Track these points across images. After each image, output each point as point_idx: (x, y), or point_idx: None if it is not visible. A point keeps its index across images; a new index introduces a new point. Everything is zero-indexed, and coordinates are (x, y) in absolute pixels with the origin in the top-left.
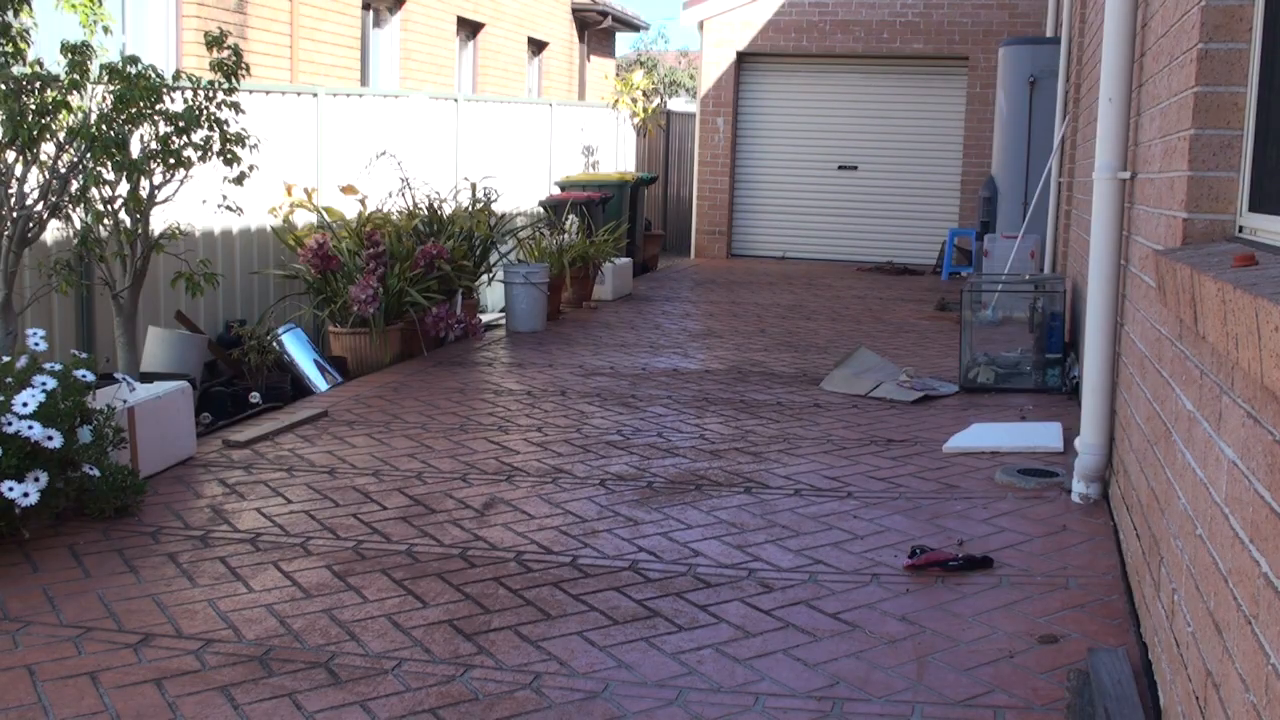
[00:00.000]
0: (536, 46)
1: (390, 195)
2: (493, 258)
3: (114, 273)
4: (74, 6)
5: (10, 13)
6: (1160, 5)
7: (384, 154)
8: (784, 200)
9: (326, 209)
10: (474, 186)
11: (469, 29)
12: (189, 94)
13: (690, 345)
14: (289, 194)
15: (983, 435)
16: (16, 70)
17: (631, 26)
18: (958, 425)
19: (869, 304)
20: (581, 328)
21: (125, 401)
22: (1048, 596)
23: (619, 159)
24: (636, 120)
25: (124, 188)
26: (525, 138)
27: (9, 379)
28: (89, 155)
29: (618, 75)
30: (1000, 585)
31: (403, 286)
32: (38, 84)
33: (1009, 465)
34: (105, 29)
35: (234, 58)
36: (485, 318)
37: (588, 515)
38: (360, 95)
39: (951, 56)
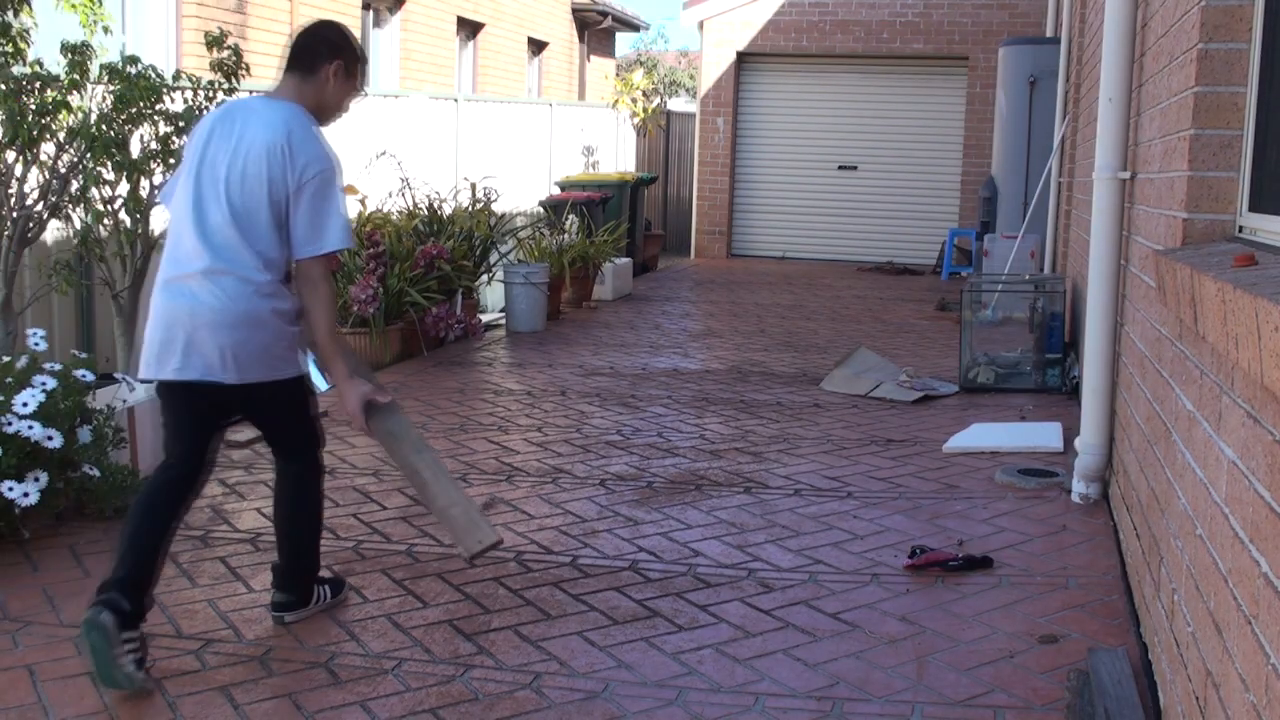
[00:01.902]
0: (536, 46)
1: (390, 195)
2: (493, 258)
3: (114, 273)
4: (74, 6)
5: (10, 13)
6: (1160, 5)
7: (384, 154)
8: (784, 200)
9: None
10: (474, 186)
11: (469, 29)
12: (189, 94)
13: (690, 345)
14: None
15: (983, 435)
16: (16, 70)
17: (631, 26)
18: (958, 425)
19: (869, 304)
20: (581, 328)
21: (125, 401)
22: (1048, 596)
23: (619, 159)
24: (636, 120)
25: (124, 188)
26: (525, 138)
27: (9, 379)
28: (89, 155)
29: (618, 75)
30: (1000, 585)
31: (403, 286)
32: (38, 84)
33: (1009, 465)
34: (105, 29)
35: (234, 58)
36: (485, 318)
37: (588, 515)
38: (360, 95)
39: (951, 56)
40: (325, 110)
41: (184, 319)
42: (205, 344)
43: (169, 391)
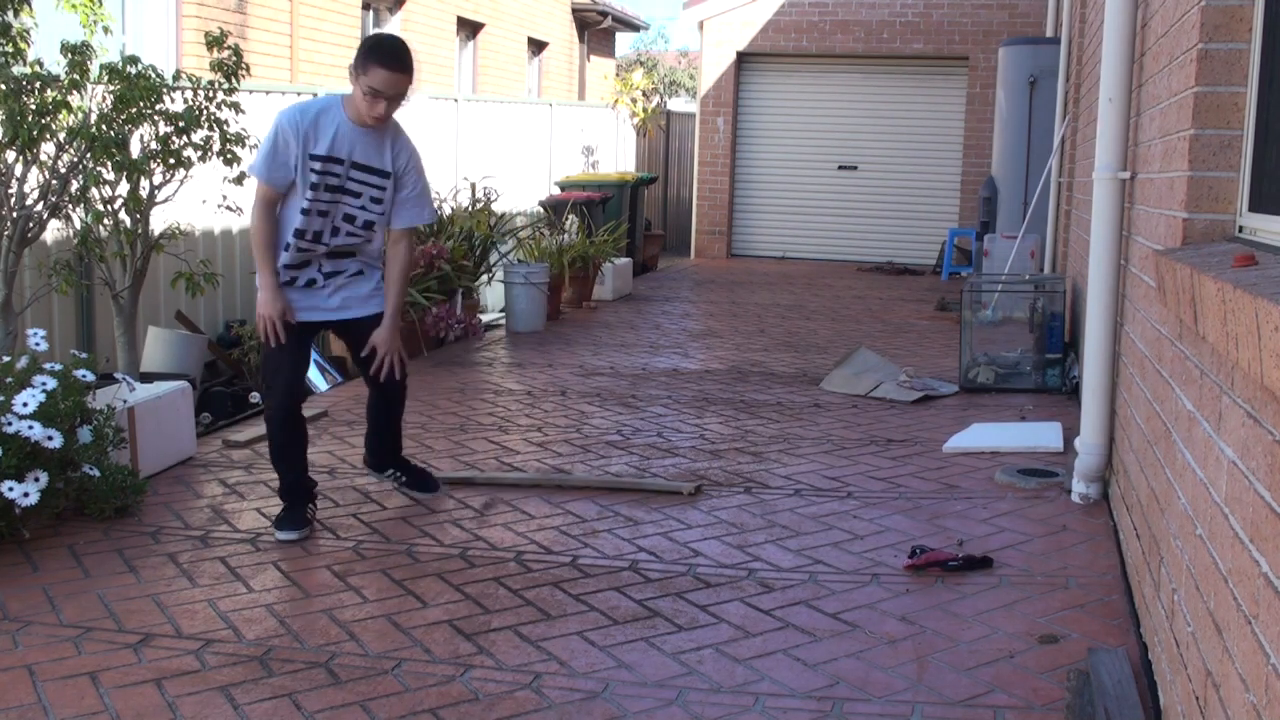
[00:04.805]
0: (536, 46)
1: None
2: (493, 258)
3: (114, 273)
4: (74, 6)
5: (10, 13)
6: (1160, 5)
7: None
8: (784, 200)
9: None
10: (474, 186)
11: (469, 29)
12: (189, 94)
13: (690, 345)
14: None
15: (983, 435)
16: (16, 70)
17: (631, 26)
18: (958, 425)
19: (869, 304)
20: (581, 328)
21: (125, 401)
22: (1048, 596)
23: (619, 159)
24: (636, 120)
25: (124, 188)
26: (525, 138)
27: (9, 379)
28: (89, 155)
29: (618, 75)
30: (1000, 585)
31: None
32: (38, 84)
33: (1009, 465)
34: (105, 29)
35: (234, 58)
36: (485, 318)
37: (588, 515)
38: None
39: (951, 56)
40: (351, 105)
41: None
42: None
43: None
